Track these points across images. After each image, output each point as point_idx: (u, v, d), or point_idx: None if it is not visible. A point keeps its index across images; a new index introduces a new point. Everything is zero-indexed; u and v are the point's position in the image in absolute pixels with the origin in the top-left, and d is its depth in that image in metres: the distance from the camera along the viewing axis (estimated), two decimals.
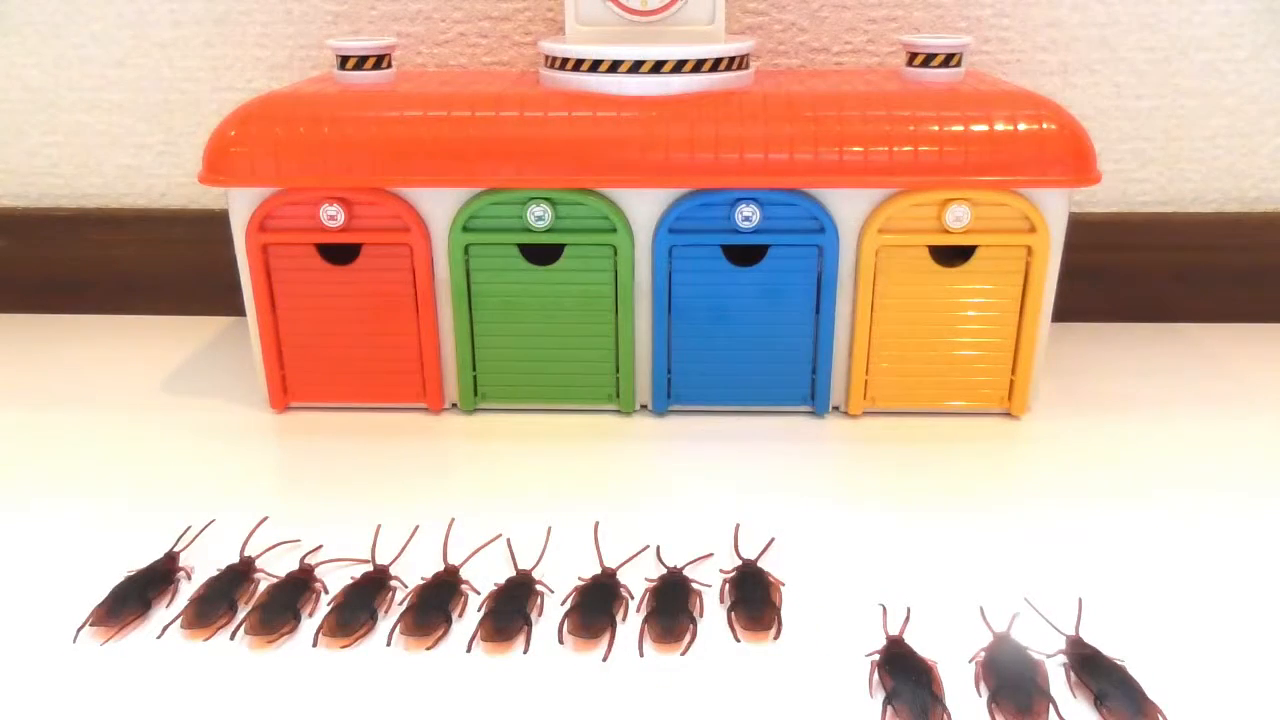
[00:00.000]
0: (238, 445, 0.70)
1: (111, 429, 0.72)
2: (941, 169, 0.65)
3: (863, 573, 0.55)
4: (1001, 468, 0.66)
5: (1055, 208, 0.67)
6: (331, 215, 0.68)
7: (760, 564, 0.55)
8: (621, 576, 0.55)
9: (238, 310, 0.74)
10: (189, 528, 0.59)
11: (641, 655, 0.49)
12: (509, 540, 0.58)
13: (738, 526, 0.59)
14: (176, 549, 0.57)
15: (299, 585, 0.53)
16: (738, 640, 0.50)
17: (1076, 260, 0.73)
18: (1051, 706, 0.45)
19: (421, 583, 0.54)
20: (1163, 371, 0.80)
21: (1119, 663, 0.47)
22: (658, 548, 0.57)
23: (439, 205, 0.68)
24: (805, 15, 0.85)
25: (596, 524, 0.59)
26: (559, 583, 0.55)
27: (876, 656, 0.48)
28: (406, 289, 0.70)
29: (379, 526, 0.59)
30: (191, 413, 0.74)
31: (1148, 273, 0.88)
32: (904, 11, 0.84)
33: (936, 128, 0.65)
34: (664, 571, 0.55)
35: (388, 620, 0.52)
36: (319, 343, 0.72)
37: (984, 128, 0.65)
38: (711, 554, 0.57)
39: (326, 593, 0.54)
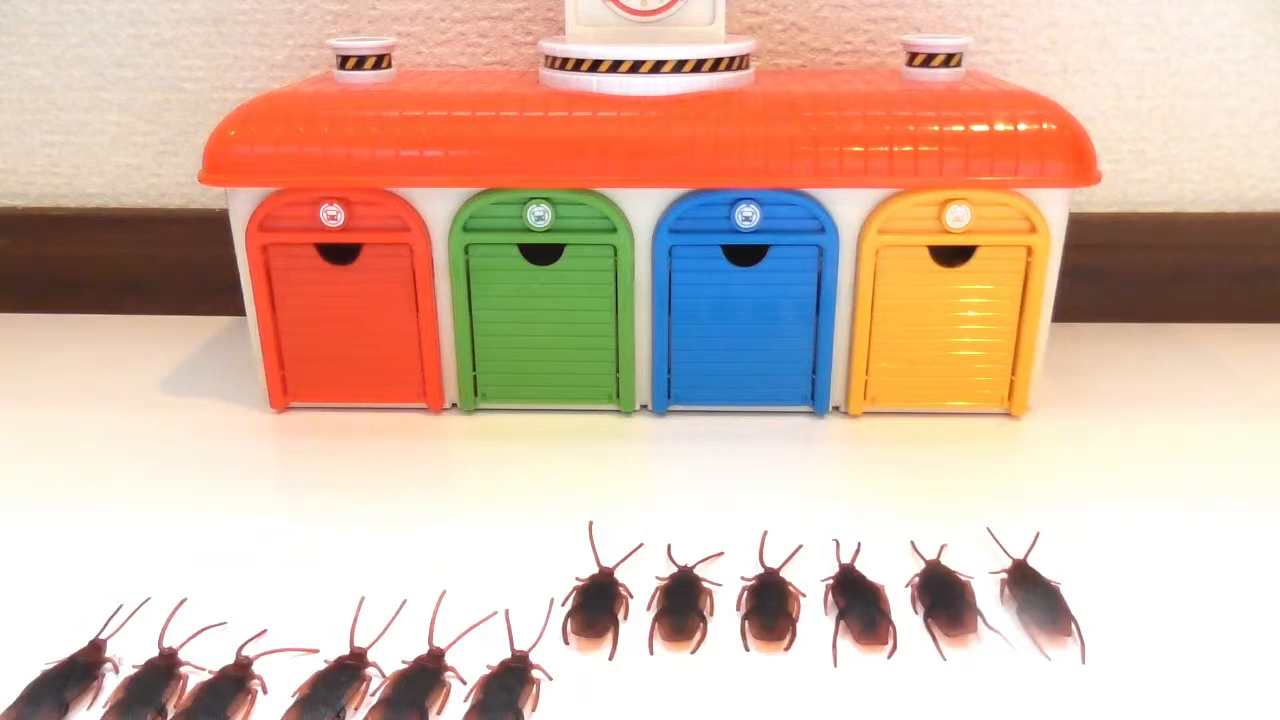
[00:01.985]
0: (238, 445, 0.70)
1: (111, 429, 0.72)
2: (941, 169, 0.65)
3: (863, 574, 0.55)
4: (1001, 468, 0.66)
5: (1055, 208, 0.67)
6: (331, 215, 0.68)
7: (783, 573, 0.54)
8: (620, 575, 0.54)
9: (238, 310, 0.74)
10: (120, 607, 0.52)
11: (651, 653, 0.49)
12: (506, 611, 0.53)
13: (765, 534, 0.58)
14: (102, 635, 0.50)
15: (232, 685, 0.46)
16: (747, 650, 0.50)
17: (1076, 260, 0.73)
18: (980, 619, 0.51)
19: (401, 668, 0.48)
20: (1163, 371, 0.80)
21: (1054, 584, 0.52)
22: (669, 546, 0.57)
23: (439, 205, 0.68)
24: (805, 15, 0.85)
25: (590, 524, 0.59)
26: (558, 585, 0.55)
27: (830, 580, 0.54)
28: (406, 289, 0.70)
29: (362, 600, 0.53)
30: (191, 413, 0.74)
31: (1148, 273, 0.88)
32: (904, 11, 0.84)
33: (936, 128, 0.65)
34: (675, 570, 0.54)
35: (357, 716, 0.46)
36: (319, 343, 0.72)
37: (984, 128, 0.65)
38: (722, 553, 0.57)
39: (265, 692, 0.47)
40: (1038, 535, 0.58)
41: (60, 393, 0.78)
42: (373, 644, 0.50)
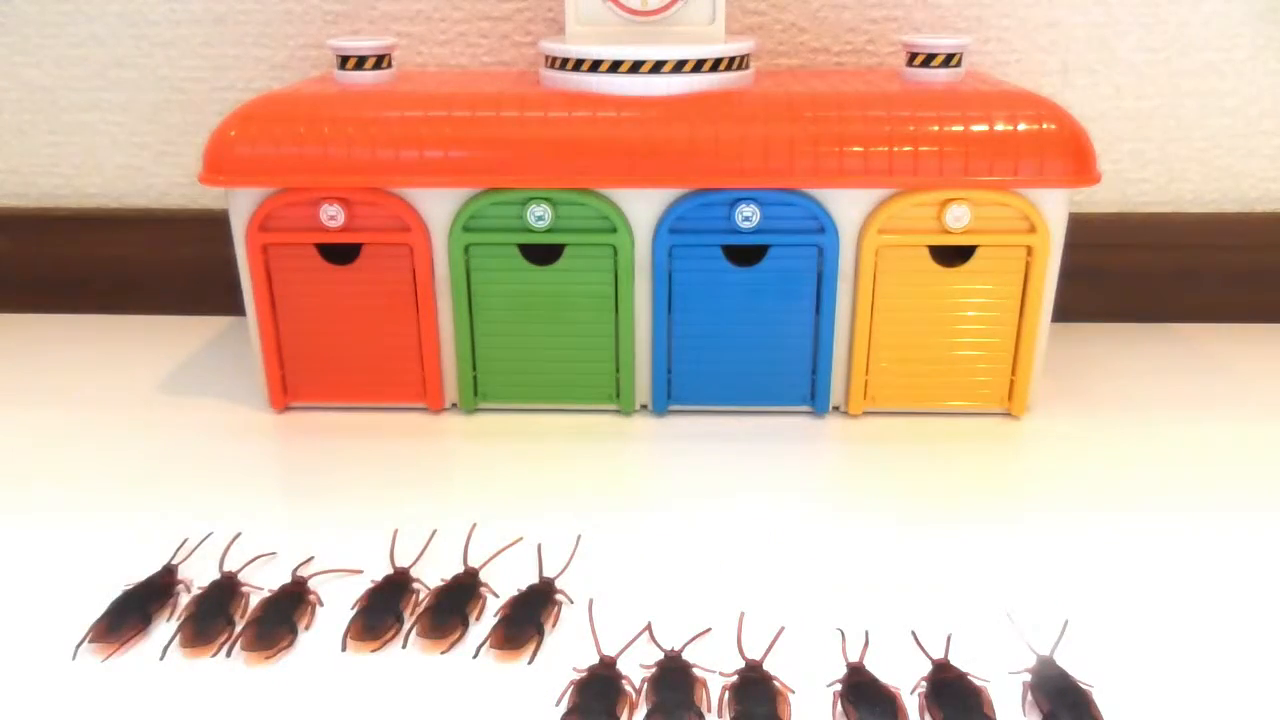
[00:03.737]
0: (238, 445, 0.70)
1: (111, 429, 0.72)
2: (941, 169, 0.65)
3: (863, 575, 0.55)
4: (1001, 468, 0.66)
5: (1055, 208, 0.67)
6: (331, 215, 0.68)
7: (766, 665, 0.48)
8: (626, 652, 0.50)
9: (238, 310, 0.74)
10: (185, 540, 0.58)
11: None
12: (539, 545, 0.58)
13: (742, 616, 0.52)
14: (174, 561, 0.56)
15: (293, 598, 0.52)
16: None
17: (1076, 260, 0.73)
18: None
19: (441, 584, 0.53)
20: (1163, 371, 0.80)
21: (1085, 687, 0.46)
22: (649, 624, 0.51)
23: (439, 205, 0.68)
24: (805, 15, 0.85)
25: (590, 602, 0.53)
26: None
27: (838, 687, 0.47)
28: (406, 289, 0.70)
29: (395, 532, 0.59)
30: (191, 413, 0.74)
31: (1148, 273, 0.88)
32: (904, 11, 0.84)
33: (936, 128, 0.65)
34: (661, 657, 0.48)
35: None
36: (319, 343, 0.72)
37: (984, 128, 0.65)
38: (710, 629, 0.51)
39: (321, 605, 0.53)
40: (1066, 624, 0.51)
41: (60, 393, 0.78)
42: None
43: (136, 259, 0.92)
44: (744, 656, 0.49)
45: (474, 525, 0.59)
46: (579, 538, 0.58)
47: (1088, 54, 0.85)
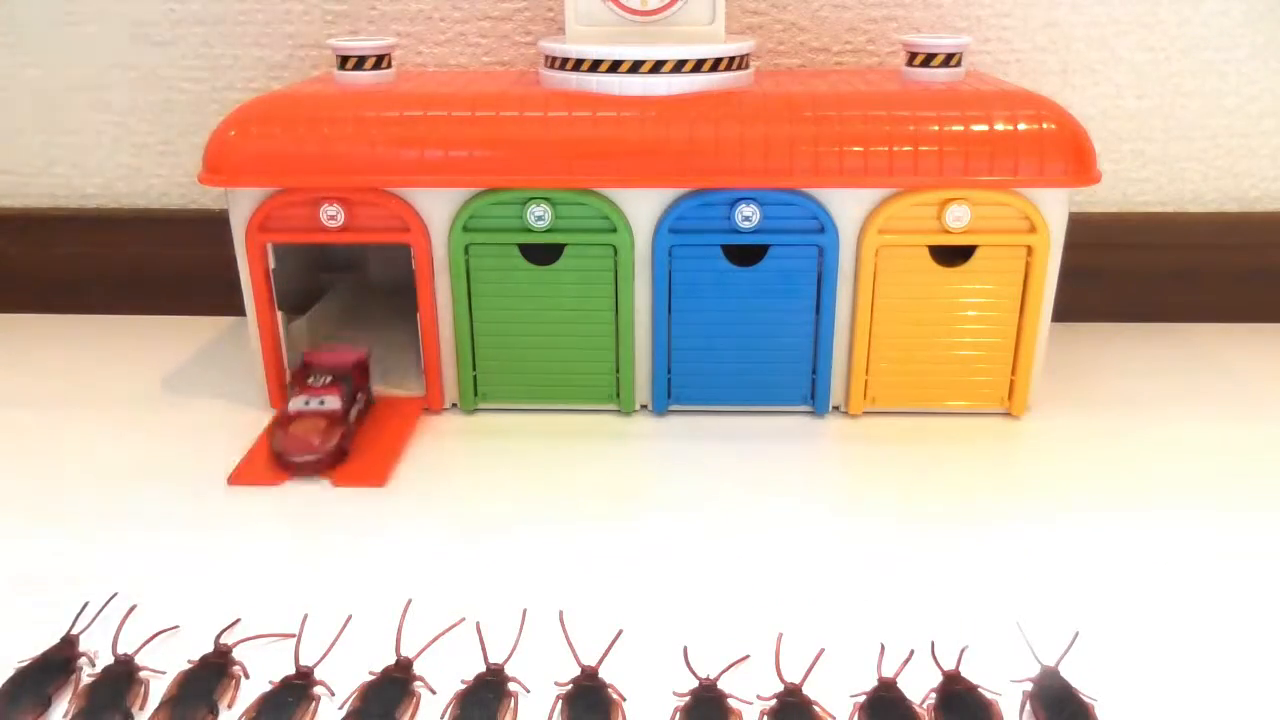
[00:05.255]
0: (238, 445, 0.69)
1: (111, 429, 0.72)
2: (941, 169, 0.65)
3: (863, 576, 0.55)
4: (1001, 468, 0.66)
5: (1055, 208, 0.67)
6: (331, 215, 0.68)
7: (806, 689, 0.46)
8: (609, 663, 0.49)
9: (238, 310, 0.74)
10: (86, 604, 0.52)
11: None
12: (478, 624, 0.52)
13: (780, 637, 0.50)
14: (75, 631, 0.50)
15: (215, 671, 0.47)
16: None
17: (1076, 260, 0.73)
18: None
19: (369, 679, 0.47)
20: (1163, 371, 0.80)
21: (1088, 701, 0.45)
22: (685, 649, 0.49)
23: (439, 205, 0.68)
24: (805, 15, 0.85)
25: (561, 614, 0.52)
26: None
27: (861, 698, 0.46)
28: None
29: (305, 617, 0.52)
30: (191, 413, 0.74)
31: (1148, 273, 0.88)
32: (904, 11, 0.84)
33: (936, 128, 0.65)
34: (695, 685, 0.46)
35: None
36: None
37: (984, 128, 0.65)
38: (748, 656, 0.49)
39: (247, 678, 0.48)
40: (1076, 635, 0.50)
41: (60, 393, 0.78)
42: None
43: (136, 259, 0.92)
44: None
45: (409, 601, 0.53)
46: (524, 613, 0.52)
47: (1088, 54, 0.85)
